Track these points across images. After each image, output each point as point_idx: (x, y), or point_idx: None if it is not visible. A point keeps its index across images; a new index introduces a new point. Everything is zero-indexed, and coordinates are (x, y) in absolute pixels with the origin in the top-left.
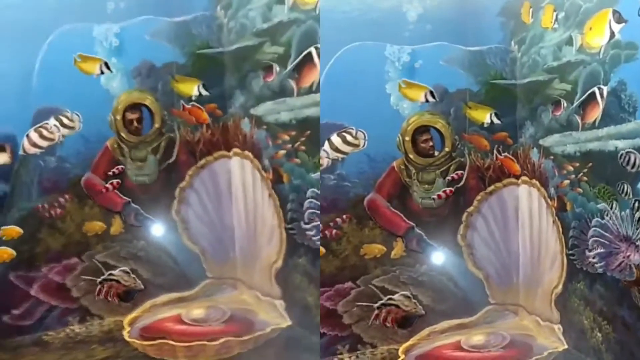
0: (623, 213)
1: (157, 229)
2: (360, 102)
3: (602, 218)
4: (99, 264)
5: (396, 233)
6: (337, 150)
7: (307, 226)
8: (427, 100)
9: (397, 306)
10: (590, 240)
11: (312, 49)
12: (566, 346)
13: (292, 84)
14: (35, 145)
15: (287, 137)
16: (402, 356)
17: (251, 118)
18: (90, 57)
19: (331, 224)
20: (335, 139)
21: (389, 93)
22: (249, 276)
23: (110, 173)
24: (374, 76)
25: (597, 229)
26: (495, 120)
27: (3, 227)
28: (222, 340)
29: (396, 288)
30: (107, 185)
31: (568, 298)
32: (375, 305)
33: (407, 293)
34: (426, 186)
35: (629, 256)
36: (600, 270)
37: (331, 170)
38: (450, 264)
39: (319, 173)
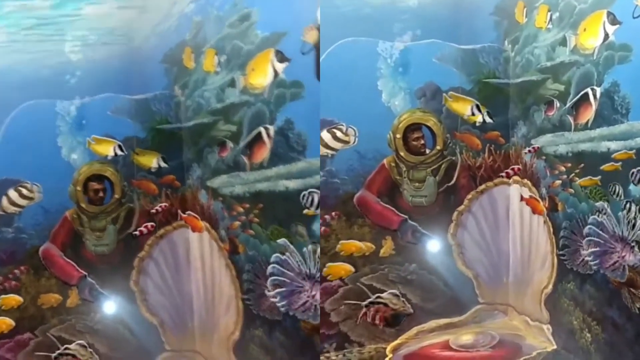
0: (619, 213)
1: (115, 301)
2: (351, 99)
3: (599, 216)
4: (53, 339)
5: (389, 227)
6: (326, 146)
7: (271, 293)
8: (473, 114)
9: (385, 304)
10: (586, 239)
11: (262, 129)
12: (555, 346)
13: (245, 159)
14: None
15: (241, 209)
16: (390, 355)
17: (208, 190)
18: (105, 140)
19: (320, 220)
20: (325, 135)
21: (380, 90)
22: (207, 348)
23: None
24: (366, 72)
25: (593, 227)
26: (487, 119)
27: (2, 296)
28: None
29: (385, 286)
30: (142, 228)
31: (558, 298)
32: (363, 303)
33: (396, 291)
34: (416, 184)
35: (624, 257)
36: (594, 268)
37: (321, 167)
38: (439, 262)
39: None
